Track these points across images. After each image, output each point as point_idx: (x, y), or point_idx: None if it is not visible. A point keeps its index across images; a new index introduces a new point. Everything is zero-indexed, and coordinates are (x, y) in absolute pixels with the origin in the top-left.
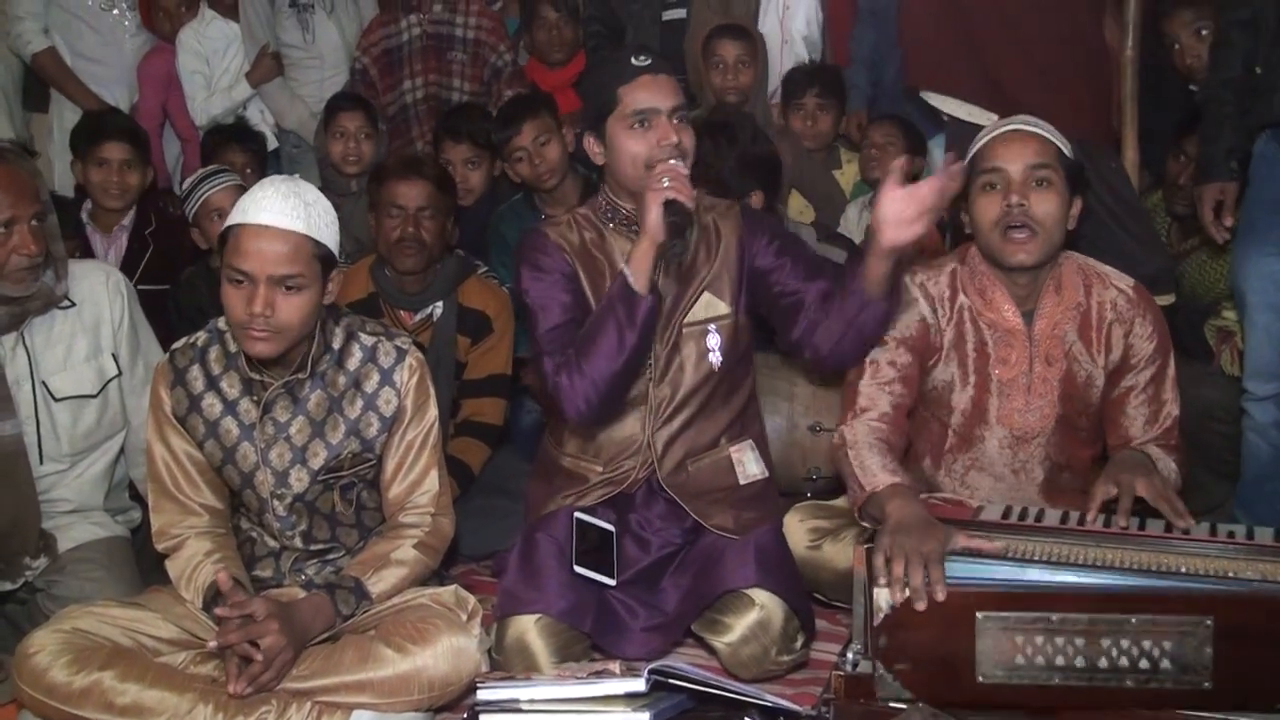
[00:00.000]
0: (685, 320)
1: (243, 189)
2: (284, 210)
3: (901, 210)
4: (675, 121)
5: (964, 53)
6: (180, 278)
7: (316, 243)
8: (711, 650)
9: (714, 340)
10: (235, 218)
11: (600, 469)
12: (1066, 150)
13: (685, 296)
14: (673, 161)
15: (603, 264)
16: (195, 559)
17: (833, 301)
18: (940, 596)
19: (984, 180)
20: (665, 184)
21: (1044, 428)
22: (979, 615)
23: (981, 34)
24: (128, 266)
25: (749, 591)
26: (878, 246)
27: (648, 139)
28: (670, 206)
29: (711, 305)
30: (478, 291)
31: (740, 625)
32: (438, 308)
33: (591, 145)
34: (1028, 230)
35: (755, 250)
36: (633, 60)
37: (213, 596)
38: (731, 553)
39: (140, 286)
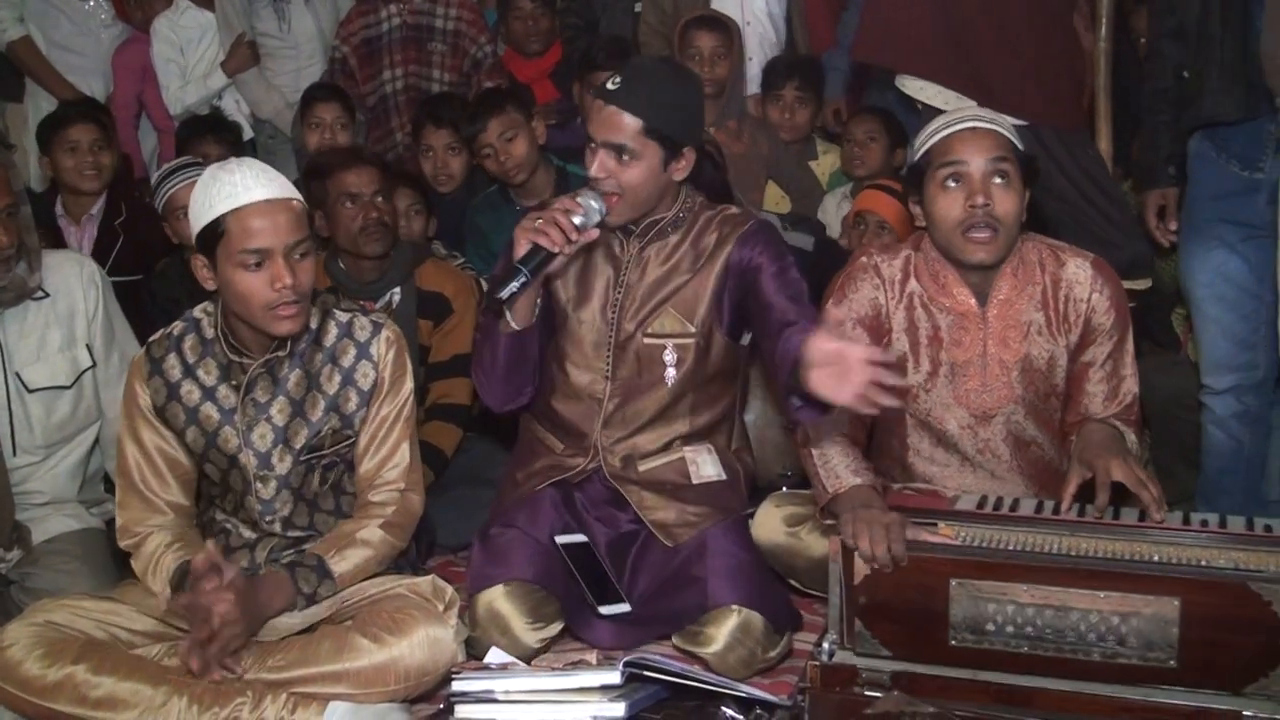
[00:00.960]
0: (648, 330)
1: None
2: (271, 181)
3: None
4: (614, 158)
5: (946, 38)
6: (155, 269)
7: (303, 203)
8: (697, 660)
9: (670, 356)
10: (223, 205)
11: (559, 445)
12: (1019, 144)
13: (651, 305)
14: (568, 199)
15: (577, 254)
16: (157, 551)
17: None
18: (903, 562)
19: (944, 175)
20: (537, 223)
21: (1002, 408)
22: (953, 582)
23: (964, 21)
24: (98, 258)
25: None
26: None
27: (590, 156)
28: (535, 248)
29: (675, 322)
30: (435, 274)
31: (721, 635)
32: (396, 294)
33: None
34: (990, 230)
35: (740, 277)
36: (608, 83)
37: (180, 578)
38: (697, 566)
39: (111, 278)
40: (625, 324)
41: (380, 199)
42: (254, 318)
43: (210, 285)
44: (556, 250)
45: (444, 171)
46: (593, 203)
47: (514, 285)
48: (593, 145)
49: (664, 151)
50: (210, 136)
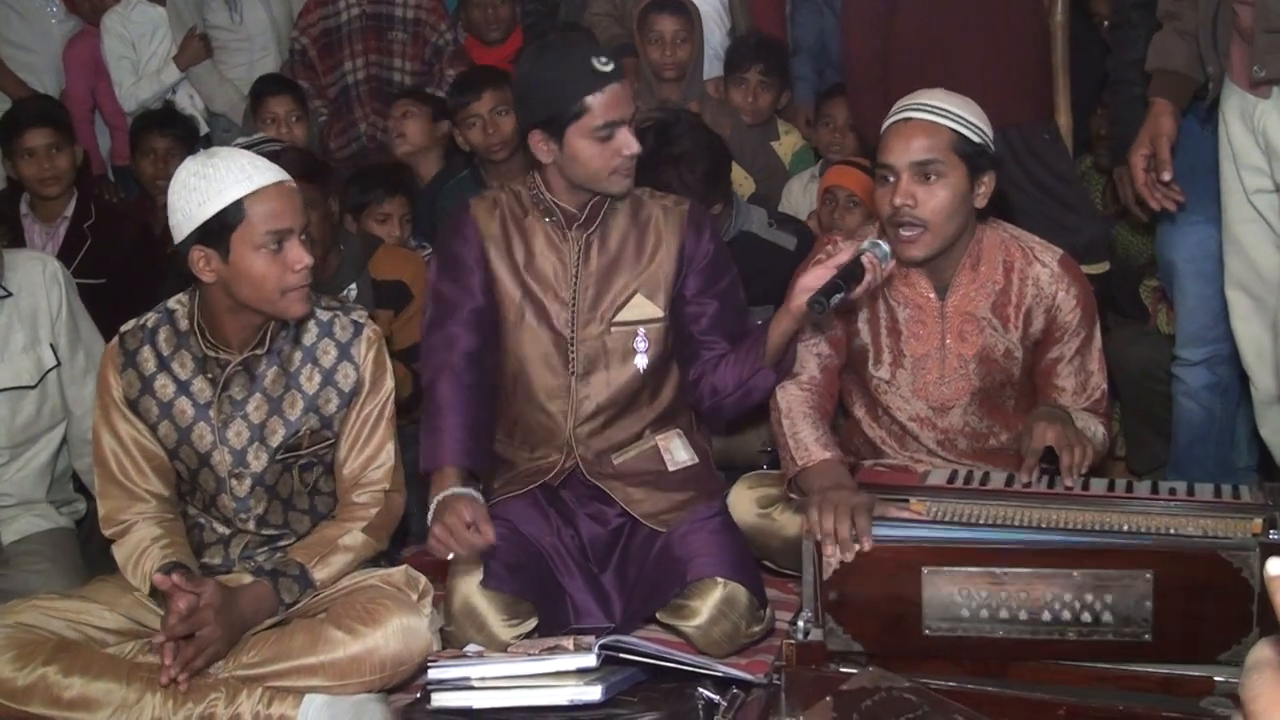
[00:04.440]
0: (615, 319)
1: None
2: (274, 166)
3: (818, 283)
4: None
5: (907, 74)
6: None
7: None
8: (681, 636)
9: (642, 343)
10: (238, 189)
11: (527, 455)
12: (969, 132)
13: (616, 292)
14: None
15: (517, 246)
16: (143, 544)
17: (730, 359)
18: (867, 547)
19: (878, 172)
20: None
21: (959, 400)
22: (924, 570)
23: (924, 49)
24: (63, 260)
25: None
26: (786, 308)
27: (609, 148)
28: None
29: (644, 307)
30: (389, 261)
31: (706, 607)
32: (352, 289)
33: (540, 144)
34: (915, 228)
35: (691, 265)
36: (595, 65)
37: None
38: (679, 545)
39: (76, 281)
40: (585, 314)
41: (314, 215)
42: (267, 302)
43: (209, 277)
44: (869, 278)
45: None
46: (883, 245)
47: (838, 296)
48: (610, 131)
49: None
50: (163, 131)
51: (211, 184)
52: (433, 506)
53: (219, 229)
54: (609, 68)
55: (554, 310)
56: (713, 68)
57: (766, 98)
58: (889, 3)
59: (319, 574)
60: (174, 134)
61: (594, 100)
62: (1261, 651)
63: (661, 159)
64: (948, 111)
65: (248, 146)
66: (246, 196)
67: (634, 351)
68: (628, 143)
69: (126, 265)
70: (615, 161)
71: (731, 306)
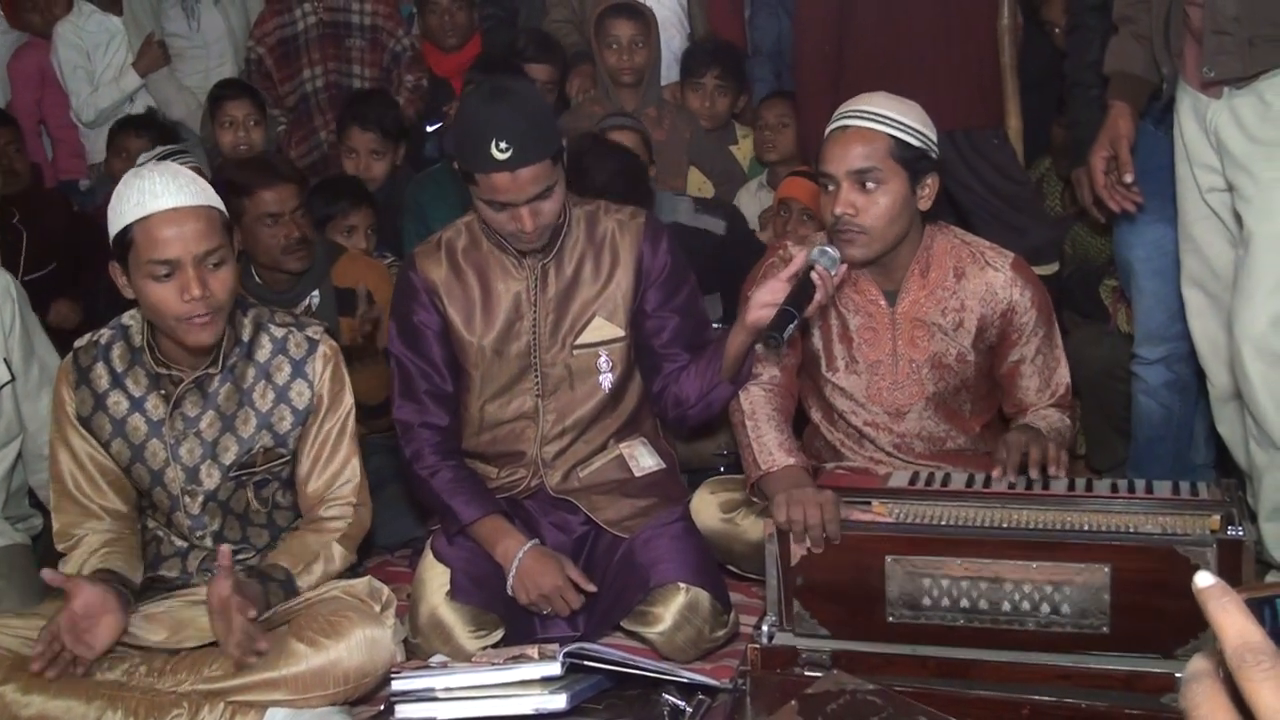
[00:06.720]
0: (576, 343)
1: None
2: (182, 187)
3: (773, 298)
4: (539, 201)
5: (855, 82)
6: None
7: (220, 211)
8: (646, 642)
9: (605, 363)
10: (131, 214)
11: (494, 474)
12: (907, 136)
13: (576, 316)
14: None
15: (472, 281)
16: (84, 556)
17: (691, 371)
18: (836, 539)
19: (820, 179)
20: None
21: (914, 404)
22: (888, 558)
23: (867, 48)
24: (10, 260)
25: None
26: (741, 323)
27: (505, 216)
28: (801, 288)
29: (604, 329)
30: (351, 269)
31: (669, 613)
32: (314, 297)
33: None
34: (856, 233)
35: (649, 280)
36: (493, 151)
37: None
38: (642, 551)
39: (26, 277)
40: (547, 339)
41: (300, 214)
42: (167, 328)
43: (128, 294)
44: (819, 297)
45: (366, 174)
46: (830, 251)
47: (792, 326)
48: (501, 206)
49: (561, 165)
50: (139, 133)
51: (120, 203)
52: (515, 564)
53: (120, 249)
54: (504, 155)
55: (515, 338)
56: (672, 72)
57: (723, 102)
58: (841, 10)
59: (303, 581)
60: (150, 136)
61: (483, 179)
62: (1198, 663)
63: (583, 191)
64: (885, 118)
65: (163, 157)
66: (136, 223)
67: (598, 371)
68: (522, 222)
69: (67, 244)
70: (510, 228)
71: (691, 318)
